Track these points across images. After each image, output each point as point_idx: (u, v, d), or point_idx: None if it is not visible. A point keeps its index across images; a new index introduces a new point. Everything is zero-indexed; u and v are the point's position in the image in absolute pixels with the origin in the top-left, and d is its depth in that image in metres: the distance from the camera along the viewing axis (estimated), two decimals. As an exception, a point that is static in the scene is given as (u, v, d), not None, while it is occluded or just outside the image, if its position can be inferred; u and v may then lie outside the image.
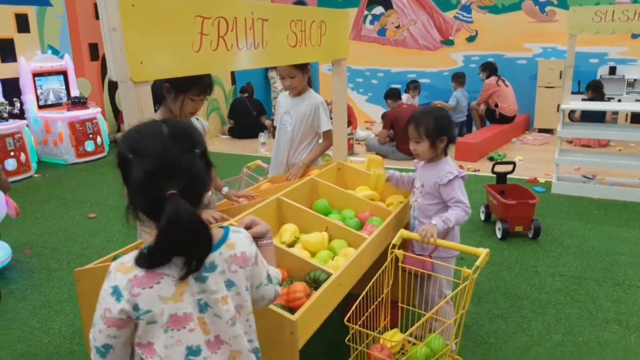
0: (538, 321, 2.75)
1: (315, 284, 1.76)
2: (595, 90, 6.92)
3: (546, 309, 2.87)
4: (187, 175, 1.09)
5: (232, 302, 1.17)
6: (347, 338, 1.83)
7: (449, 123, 2.33)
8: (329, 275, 1.76)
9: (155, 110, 2.22)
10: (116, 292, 1.08)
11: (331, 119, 2.93)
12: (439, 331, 1.89)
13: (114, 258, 1.87)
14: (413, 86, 8.07)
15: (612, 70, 7.64)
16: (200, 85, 2.24)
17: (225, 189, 2.59)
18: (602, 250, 3.63)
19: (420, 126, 2.26)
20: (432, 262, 2.15)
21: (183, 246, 1.08)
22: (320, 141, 3.05)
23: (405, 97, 8.10)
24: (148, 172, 1.05)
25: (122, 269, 1.10)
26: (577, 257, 3.52)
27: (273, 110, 8.37)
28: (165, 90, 2.27)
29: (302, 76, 2.98)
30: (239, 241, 1.20)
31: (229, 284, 1.17)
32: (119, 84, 1.41)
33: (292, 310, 1.56)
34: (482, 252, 1.89)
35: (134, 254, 1.12)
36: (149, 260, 1.09)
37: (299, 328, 1.49)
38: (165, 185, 1.06)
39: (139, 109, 1.43)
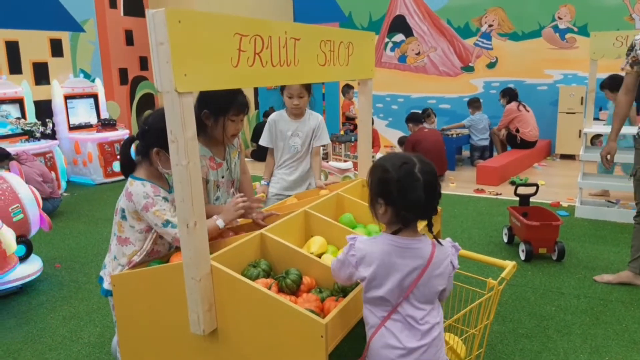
0: (564, 341, 2.73)
1: (343, 292, 1.80)
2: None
3: (572, 329, 2.84)
4: None
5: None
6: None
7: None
8: (356, 284, 1.80)
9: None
10: None
11: (356, 140, 3.01)
12: (462, 337, 1.91)
13: (148, 266, 1.95)
14: (427, 114, 7.70)
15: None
16: (236, 103, 2.30)
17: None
18: (628, 274, 3.58)
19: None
20: None
21: None
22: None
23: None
24: None
25: None
26: (602, 280, 3.49)
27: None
28: (205, 117, 2.31)
29: (308, 98, 3.18)
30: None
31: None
32: (164, 94, 1.51)
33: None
34: (509, 264, 1.92)
35: None
36: None
37: (329, 332, 1.53)
38: None
39: (182, 118, 1.52)
